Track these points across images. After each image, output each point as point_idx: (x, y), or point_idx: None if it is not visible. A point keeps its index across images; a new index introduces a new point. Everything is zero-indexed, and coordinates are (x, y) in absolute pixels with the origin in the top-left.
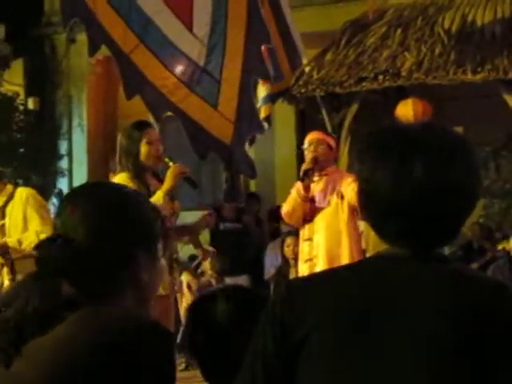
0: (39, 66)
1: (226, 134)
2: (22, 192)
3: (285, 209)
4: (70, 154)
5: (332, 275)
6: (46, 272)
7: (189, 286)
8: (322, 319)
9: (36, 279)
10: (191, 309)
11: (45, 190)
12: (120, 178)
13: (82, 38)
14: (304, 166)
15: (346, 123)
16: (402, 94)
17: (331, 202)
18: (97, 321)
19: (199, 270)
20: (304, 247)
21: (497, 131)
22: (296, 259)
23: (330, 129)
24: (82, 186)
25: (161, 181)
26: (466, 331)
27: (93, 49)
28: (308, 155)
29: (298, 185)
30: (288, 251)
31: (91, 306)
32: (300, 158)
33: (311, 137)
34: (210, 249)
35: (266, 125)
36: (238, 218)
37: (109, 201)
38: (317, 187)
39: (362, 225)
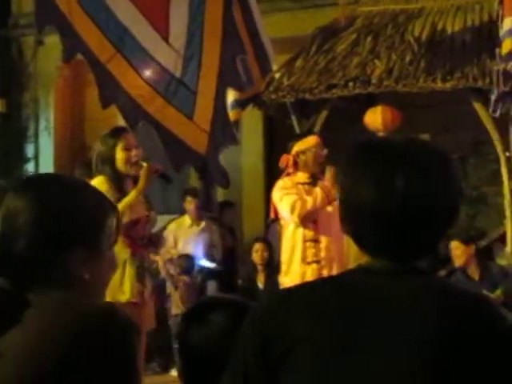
0: (6, 68)
1: (200, 145)
2: None
3: (302, 212)
4: (36, 157)
5: (313, 288)
6: None
7: None
8: (304, 332)
9: None
10: (186, 316)
11: None
12: (96, 181)
13: (50, 40)
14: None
15: (316, 129)
16: (371, 101)
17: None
18: (66, 311)
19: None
20: (307, 248)
21: (465, 139)
22: (264, 265)
23: (299, 135)
24: (27, 178)
25: None
26: (444, 344)
27: (68, 57)
28: (311, 158)
29: (319, 190)
30: (256, 257)
31: (53, 296)
32: (267, 165)
33: (315, 140)
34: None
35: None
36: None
37: (47, 193)
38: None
39: (345, 237)
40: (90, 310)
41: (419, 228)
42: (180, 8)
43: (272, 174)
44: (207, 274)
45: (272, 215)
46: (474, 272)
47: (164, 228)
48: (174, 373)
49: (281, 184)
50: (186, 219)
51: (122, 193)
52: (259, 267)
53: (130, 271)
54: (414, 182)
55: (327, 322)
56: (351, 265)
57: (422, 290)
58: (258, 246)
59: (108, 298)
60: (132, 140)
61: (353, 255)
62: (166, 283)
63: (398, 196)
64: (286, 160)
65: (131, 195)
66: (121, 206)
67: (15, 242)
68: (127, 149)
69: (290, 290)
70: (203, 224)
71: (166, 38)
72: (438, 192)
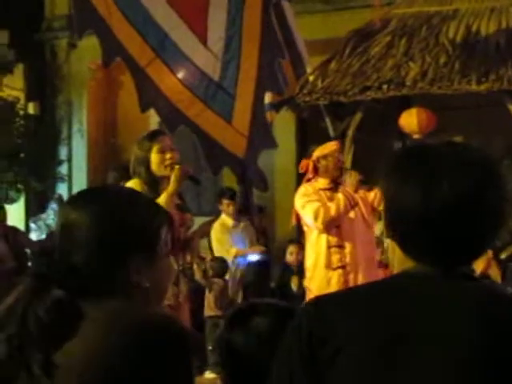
0: (40, 71)
1: (239, 149)
2: None
3: (326, 219)
4: (69, 159)
5: (359, 292)
6: (44, 286)
7: None
8: (350, 336)
9: (33, 293)
10: (230, 319)
11: (44, 195)
12: (132, 183)
13: (83, 43)
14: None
15: (350, 132)
16: (405, 103)
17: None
18: (122, 322)
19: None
20: (332, 254)
21: (499, 141)
22: (299, 266)
23: (333, 138)
24: (82, 191)
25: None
26: (495, 354)
27: (107, 61)
28: (332, 163)
29: (341, 196)
30: (291, 259)
31: (110, 307)
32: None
33: (335, 146)
34: (217, 280)
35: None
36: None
37: (105, 207)
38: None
39: (388, 243)
40: (146, 320)
41: (466, 232)
42: (219, 13)
43: (304, 177)
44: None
45: (293, 221)
46: (496, 275)
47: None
48: (208, 375)
49: (302, 191)
50: (226, 220)
51: (157, 195)
52: (294, 269)
53: None
54: (459, 185)
55: (374, 326)
56: (395, 270)
57: (473, 297)
58: (292, 249)
59: None
60: (168, 143)
61: (397, 260)
62: (202, 286)
63: (444, 199)
64: (305, 165)
65: (162, 198)
66: None
67: (74, 255)
68: (162, 151)
69: (336, 294)
70: (242, 224)
71: (204, 42)
72: (484, 195)
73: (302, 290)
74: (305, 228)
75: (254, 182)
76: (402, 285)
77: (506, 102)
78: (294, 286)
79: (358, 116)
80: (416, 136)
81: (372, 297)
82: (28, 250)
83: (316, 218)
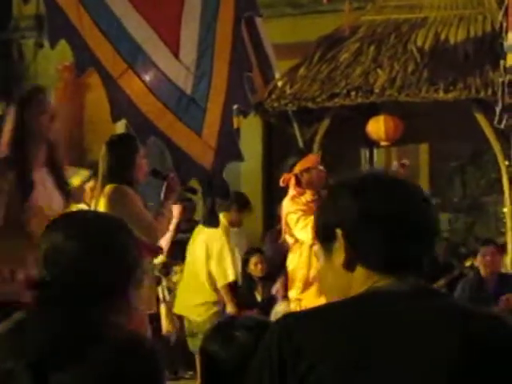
0: (6, 71)
1: (207, 161)
2: None
3: None
4: None
5: (330, 309)
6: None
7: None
8: (321, 355)
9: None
10: (209, 333)
11: None
12: (118, 189)
13: None
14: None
15: (318, 138)
16: (374, 110)
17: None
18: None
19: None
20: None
21: (465, 148)
22: (262, 277)
23: (301, 143)
24: (66, 215)
25: None
26: (465, 367)
27: (80, 70)
28: (315, 176)
29: None
30: (255, 270)
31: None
32: (266, 172)
33: (316, 159)
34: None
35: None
36: None
37: (87, 232)
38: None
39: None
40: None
41: (417, 240)
42: (191, 26)
43: (270, 182)
44: None
45: (285, 234)
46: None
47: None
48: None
49: (292, 205)
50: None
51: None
52: (257, 280)
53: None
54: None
55: (345, 342)
56: (352, 292)
57: (442, 314)
58: (255, 259)
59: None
60: (143, 149)
61: (356, 280)
62: None
63: (398, 207)
64: (287, 179)
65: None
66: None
67: (56, 275)
68: (144, 156)
69: (305, 313)
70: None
71: (176, 55)
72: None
73: (267, 300)
74: (290, 240)
75: (219, 193)
76: (373, 302)
77: (473, 111)
78: (258, 295)
79: (326, 122)
80: (383, 143)
81: (343, 313)
82: None
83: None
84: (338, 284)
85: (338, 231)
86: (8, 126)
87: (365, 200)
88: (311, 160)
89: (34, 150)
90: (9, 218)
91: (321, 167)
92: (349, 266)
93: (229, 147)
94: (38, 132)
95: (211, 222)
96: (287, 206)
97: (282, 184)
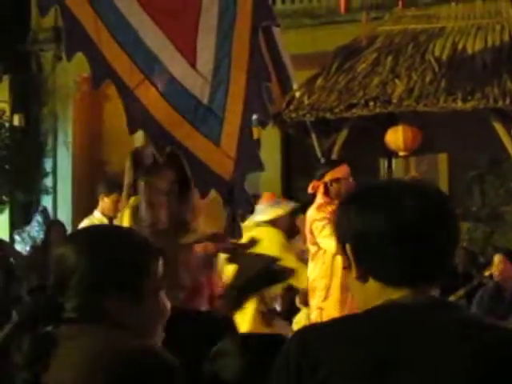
0: (25, 83)
1: (226, 171)
2: None
3: None
4: (54, 171)
5: (346, 322)
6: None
7: None
8: (337, 366)
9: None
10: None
11: (29, 207)
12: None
13: None
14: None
15: (336, 148)
16: (391, 120)
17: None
18: (108, 351)
19: None
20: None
21: (483, 157)
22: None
23: (319, 154)
24: (77, 231)
25: None
26: (479, 379)
27: (97, 84)
28: (344, 187)
29: None
30: None
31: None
32: (285, 182)
33: (347, 170)
34: None
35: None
36: None
37: (93, 245)
38: None
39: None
40: (132, 351)
41: (427, 248)
42: (208, 36)
43: (289, 191)
44: None
45: (308, 243)
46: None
47: None
48: None
49: (318, 213)
50: None
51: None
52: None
53: None
54: (419, 207)
55: (361, 353)
56: (368, 305)
57: (456, 326)
58: None
59: None
60: None
61: (371, 294)
62: None
63: (407, 218)
64: (316, 186)
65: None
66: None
67: (65, 288)
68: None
69: (322, 325)
70: None
71: (193, 65)
72: (441, 216)
73: (287, 311)
74: (313, 249)
75: (240, 204)
76: (389, 314)
77: (491, 120)
78: (277, 306)
79: (344, 133)
80: (402, 153)
81: (359, 326)
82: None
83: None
84: (357, 296)
85: (347, 246)
86: None
87: (368, 215)
88: (342, 171)
89: None
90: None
91: (351, 179)
92: (360, 278)
93: (249, 157)
94: None
95: (233, 232)
96: (313, 214)
97: (310, 191)
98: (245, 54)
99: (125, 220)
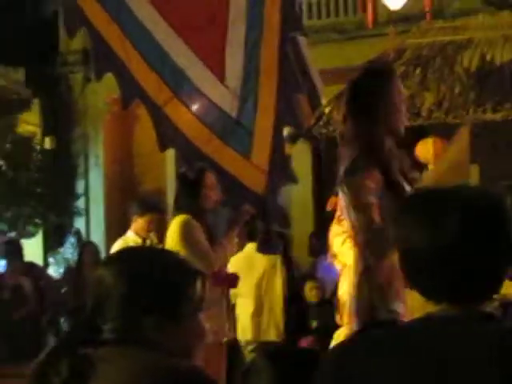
0: (55, 106)
1: (259, 185)
2: None
3: None
4: (86, 193)
5: (384, 336)
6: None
7: None
8: (372, 380)
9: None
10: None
11: (62, 229)
12: (182, 218)
13: None
14: None
15: None
16: (421, 133)
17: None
18: (148, 372)
19: None
20: None
21: None
22: (318, 303)
23: None
24: (115, 252)
25: None
26: None
27: (126, 104)
28: None
29: None
30: (311, 296)
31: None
32: (316, 198)
33: None
34: None
35: None
36: None
37: (132, 266)
38: None
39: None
40: (172, 371)
41: (478, 269)
42: (236, 50)
43: (321, 207)
44: None
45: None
46: None
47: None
48: None
49: (338, 228)
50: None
51: (206, 227)
52: (312, 305)
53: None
54: (467, 224)
55: (393, 372)
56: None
57: (492, 338)
58: (310, 285)
59: None
60: (212, 178)
61: (418, 306)
62: None
63: (451, 238)
64: (334, 202)
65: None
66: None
67: (103, 310)
68: (209, 186)
69: (356, 340)
70: None
71: (222, 80)
72: (491, 232)
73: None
74: (338, 265)
75: (275, 218)
76: (423, 327)
77: None
78: (314, 322)
79: None
80: (431, 166)
81: (394, 340)
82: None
83: None
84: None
85: (398, 256)
86: None
87: (401, 228)
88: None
89: None
90: None
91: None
92: (410, 289)
93: (281, 170)
94: None
95: (266, 248)
96: (334, 229)
97: (328, 208)
98: (274, 66)
99: (168, 237)
